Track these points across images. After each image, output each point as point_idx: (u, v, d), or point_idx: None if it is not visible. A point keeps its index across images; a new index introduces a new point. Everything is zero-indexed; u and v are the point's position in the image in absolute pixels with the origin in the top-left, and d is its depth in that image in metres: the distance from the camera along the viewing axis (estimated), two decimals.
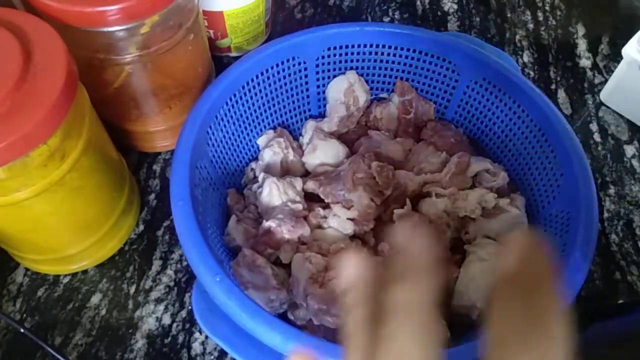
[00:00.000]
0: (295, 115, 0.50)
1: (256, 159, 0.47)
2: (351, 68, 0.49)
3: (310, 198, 0.44)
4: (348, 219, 0.41)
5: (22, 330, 0.39)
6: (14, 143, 0.30)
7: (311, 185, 0.43)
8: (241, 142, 0.46)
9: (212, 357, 0.40)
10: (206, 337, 0.41)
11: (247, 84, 0.44)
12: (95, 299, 0.43)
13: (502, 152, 0.46)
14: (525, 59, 0.61)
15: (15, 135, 0.30)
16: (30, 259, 0.43)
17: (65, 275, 0.44)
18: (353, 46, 0.47)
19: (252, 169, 0.47)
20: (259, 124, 0.47)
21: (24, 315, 0.42)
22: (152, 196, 0.49)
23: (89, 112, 0.38)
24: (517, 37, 0.63)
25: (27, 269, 0.44)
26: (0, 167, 0.31)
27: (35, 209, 0.36)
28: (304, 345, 0.29)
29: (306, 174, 0.47)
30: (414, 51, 0.47)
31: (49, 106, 0.31)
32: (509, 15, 0.65)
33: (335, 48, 0.47)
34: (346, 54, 0.48)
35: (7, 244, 0.41)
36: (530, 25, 0.64)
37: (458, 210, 0.42)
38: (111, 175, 0.42)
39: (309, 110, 0.50)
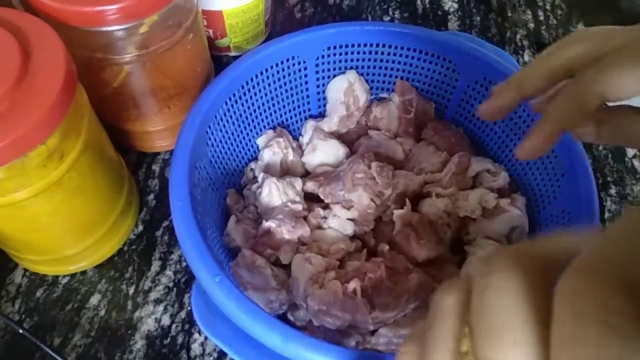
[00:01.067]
0: (295, 115, 0.50)
1: (256, 159, 0.47)
2: (351, 67, 0.48)
3: (310, 198, 0.44)
4: (348, 219, 0.41)
5: (20, 331, 0.38)
6: (12, 143, 0.30)
7: (311, 186, 0.43)
8: (241, 142, 0.46)
9: (212, 358, 0.40)
10: (205, 338, 0.41)
11: (247, 83, 0.44)
12: (94, 299, 0.43)
13: (502, 151, 0.46)
14: (526, 58, 0.60)
15: (14, 136, 0.30)
16: (29, 259, 0.43)
17: (64, 276, 0.44)
18: (353, 45, 0.47)
19: (251, 169, 0.46)
20: (258, 123, 0.47)
21: (23, 316, 0.42)
22: (151, 196, 0.48)
23: (87, 112, 0.38)
24: (518, 36, 0.62)
25: (25, 270, 0.44)
26: None
27: (34, 210, 0.36)
28: (304, 346, 0.29)
29: (306, 174, 0.47)
30: (414, 50, 0.47)
31: (48, 106, 0.31)
32: (509, 14, 0.65)
33: (335, 47, 0.47)
34: (346, 53, 0.47)
35: (5, 244, 0.41)
36: (531, 25, 0.64)
37: (458, 210, 0.41)
38: (110, 175, 0.42)
39: (309, 110, 0.50)
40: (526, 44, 0.62)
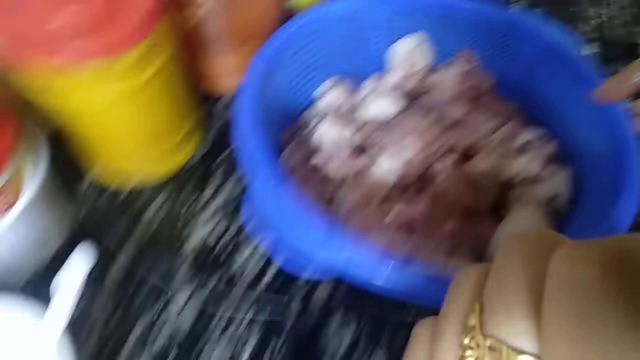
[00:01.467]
0: (355, 72, 0.51)
1: (312, 108, 0.49)
2: (415, 31, 0.50)
3: (359, 150, 0.45)
4: (393, 167, 0.43)
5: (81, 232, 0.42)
6: (107, 44, 0.34)
7: (360, 136, 0.45)
8: (299, 89, 0.48)
9: (254, 272, 0.43)
10: (250, 254, 0.44)
11: (311, 34, 0.46)
12: (149, 213, 0.46)
13: (554, 123, 0.46)
14: (593, 51, 0.60)
15: (110, 37, 0.34)
16: (98, 169, 0.47)
17: (124, 190, 0.48)
18: (420, 11, 0.48)
19: (306, 117, 0.49)
20: (317, 74, 0.49)
21: (84, 218, 0.46)
22: (212, 132, 0.52)
23: (169, 36, 0.41)
24: (589, 24, 0.62)
25: (92, 180, 0.48)
26: (90, 67, 0.35)
27: (112, 115, 0.40)
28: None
29: (359, 128, 0.49)
30: (480, 23, 0.48)
31: (142, 15, 0.35)
32: (572, 9, 0.65)
33: (402, 12, 0.48)
34: (413, 17, 0.49)
35: (83, 148, 0.45)
36: (602, 19, 0.63)
37: (503, 174, 0.42)
38: (179, 102, 0.46)
39: (369, 68, 0.52)
40: (595, 36, 0.61)
